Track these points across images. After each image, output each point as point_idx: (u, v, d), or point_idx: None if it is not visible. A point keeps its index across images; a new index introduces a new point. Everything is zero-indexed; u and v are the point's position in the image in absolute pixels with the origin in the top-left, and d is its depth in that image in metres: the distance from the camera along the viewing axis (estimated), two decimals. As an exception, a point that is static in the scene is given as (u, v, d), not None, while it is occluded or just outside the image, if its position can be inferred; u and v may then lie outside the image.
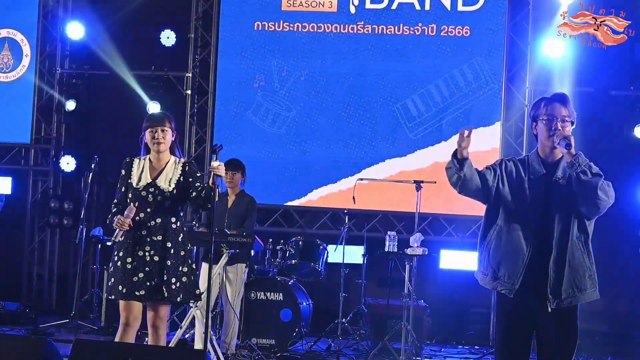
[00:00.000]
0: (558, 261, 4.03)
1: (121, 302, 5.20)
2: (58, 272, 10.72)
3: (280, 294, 8.07)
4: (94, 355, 4.58)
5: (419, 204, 7.88)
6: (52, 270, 10.73)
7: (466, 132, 3.95)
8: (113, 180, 7.42)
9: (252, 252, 7.76)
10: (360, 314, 8.57)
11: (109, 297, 5.24)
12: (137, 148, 5.44)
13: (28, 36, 10.62)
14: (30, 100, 10.58)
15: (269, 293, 8.08)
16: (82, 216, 8.08)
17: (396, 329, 7.71)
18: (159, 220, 5.18)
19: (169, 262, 5.15)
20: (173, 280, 5.15)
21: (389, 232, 7.96)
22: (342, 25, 9.87)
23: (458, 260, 9.26)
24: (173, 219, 5.23)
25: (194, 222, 8.27)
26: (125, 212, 5.13)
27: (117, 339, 5.20)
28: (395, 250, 7.83)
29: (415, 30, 9.73)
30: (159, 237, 5.16)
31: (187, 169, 5.30)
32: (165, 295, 5.11)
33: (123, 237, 5.18)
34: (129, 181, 5.27)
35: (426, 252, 7.61)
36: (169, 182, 5.23)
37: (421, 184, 7.91)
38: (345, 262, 8.17)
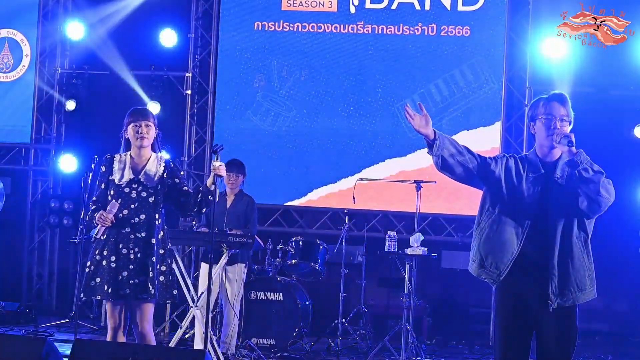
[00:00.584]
0: (561, 261, 4.02)
1: (108, 306, 5.13)
2: (58, 272, 10.71)
3: (280, 294, 8.07)
4: (94, 355, 4.57)
5: (419, 204, 7.89)
6: (52, 270, 10.73)
7: (408, 110, 3.96)
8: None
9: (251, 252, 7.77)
10: (360, 314, 8.57)
11: (94, 298, 5.16)
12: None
13: (28, 36, 10.61)
14: (30, 100, 10.58)
15: (268, 293, 8.08)
16: (82, 216, 8.08)
17: (396, 329, 7.72)
18: (143, 216, 5.08)
19: (154, 259, 5.04)
20: (159, 277, 5.06)
21: (389, 232, 7.95)
22: (342, 25, 9.86)
23: (458, 260, 9.24)
24: (156, 215, 5.12)
25: (194, 222, 8.26)
26: (108, 208, 5.03)
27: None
28: (395, 250, 7.83)
29: (415, 30, 9.72)
30: (143, 234, 5.06)
31: (171, 165, 5.23)
32: (152, 292, 4.99)
33: (105, 235, 5.07)
34: (111, 178, 5.17)
35: (426, 252, 7.62)
36: (153, 177, 5.14)
37: (421, 184, 7.92)
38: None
